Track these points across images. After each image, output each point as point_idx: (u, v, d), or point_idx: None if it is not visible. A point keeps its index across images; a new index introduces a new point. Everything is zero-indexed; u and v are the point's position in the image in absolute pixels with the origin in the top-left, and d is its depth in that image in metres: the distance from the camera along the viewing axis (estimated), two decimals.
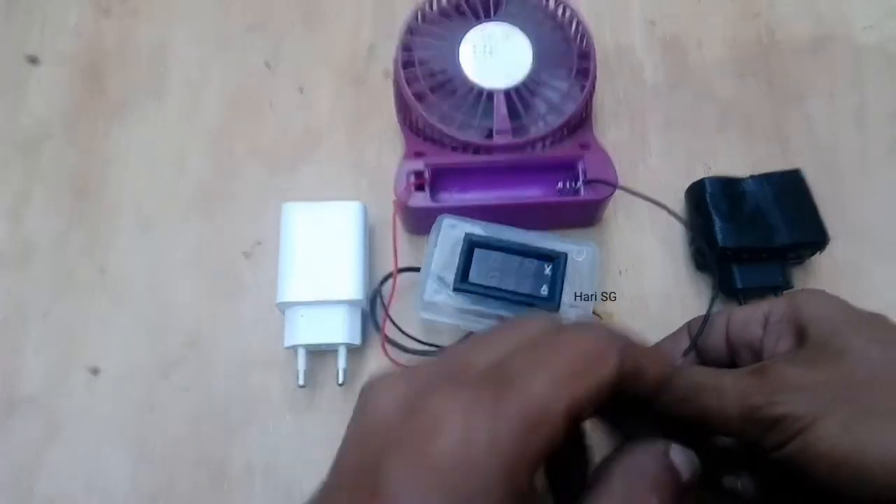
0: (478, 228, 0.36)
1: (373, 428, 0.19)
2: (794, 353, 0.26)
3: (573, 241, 0.36)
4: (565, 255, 0.35)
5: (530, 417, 0.17)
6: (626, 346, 0.20)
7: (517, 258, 0.35)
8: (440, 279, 0.35)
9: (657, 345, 0.32)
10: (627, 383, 0.20)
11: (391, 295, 0.37)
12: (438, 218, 0.36)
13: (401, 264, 0.38)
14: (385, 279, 0.38)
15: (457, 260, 0.35)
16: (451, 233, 0.36)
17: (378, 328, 0.37)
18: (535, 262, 0.35)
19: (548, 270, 0.35)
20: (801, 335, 0.26)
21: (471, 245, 0.35)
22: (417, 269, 0.37)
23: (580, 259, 0.35)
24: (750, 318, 0.29)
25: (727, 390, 0.25)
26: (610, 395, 0.19)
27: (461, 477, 0.17)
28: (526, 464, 0.17)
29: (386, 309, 0.37)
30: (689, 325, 0.31)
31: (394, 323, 0.37)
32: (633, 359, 0.20)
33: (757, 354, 0.28)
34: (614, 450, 0.22)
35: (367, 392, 0.20)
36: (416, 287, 0.36)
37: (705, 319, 0.30)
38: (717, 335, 0.30)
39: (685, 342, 0.30)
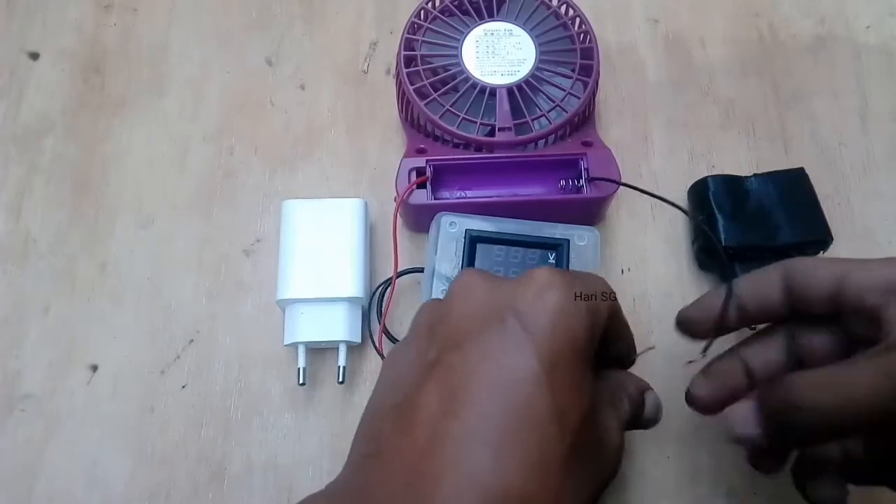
0: (477, 223, 0.35)
1: (479, 297, 0.24)
2: None
3: (574, 227, 0.35)
4: (567, 242, 0.35)
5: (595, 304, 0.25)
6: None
7: (520, 250, 0.35)
8: (445, 279, 0.35)
9: (693, 304, 0.31)
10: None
11: (388, 303, 0.37)
12: (436, 216, 0.36)
13: (403, 262, 0.38)
14: (381, 284, 0.38)
15: (459, 257, 0.35)
16: (451, 230, 0.35)
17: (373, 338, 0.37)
18: (539, 251, 0.35)
19: (552, 259, 0.35)
20: None
21: (472, 241, 0.35)
22: (420, 270, 0.36)
23: (583, 244, 0.35)
24: (869, 282, 0.26)
25: (860, 382, 0.23)
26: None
27: (570, 325, 0.23)
28: (599, 331, 0.25)
29: (383, 321, 0.37)
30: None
31: (388, 334, 0.37)
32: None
33: (857, 312, 0.26)
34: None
35: (463, 279, 0.25)
36: (420, 286, 0.36)
37: (728, 291, 0.29)
38: (771, 288, 0.28)
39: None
